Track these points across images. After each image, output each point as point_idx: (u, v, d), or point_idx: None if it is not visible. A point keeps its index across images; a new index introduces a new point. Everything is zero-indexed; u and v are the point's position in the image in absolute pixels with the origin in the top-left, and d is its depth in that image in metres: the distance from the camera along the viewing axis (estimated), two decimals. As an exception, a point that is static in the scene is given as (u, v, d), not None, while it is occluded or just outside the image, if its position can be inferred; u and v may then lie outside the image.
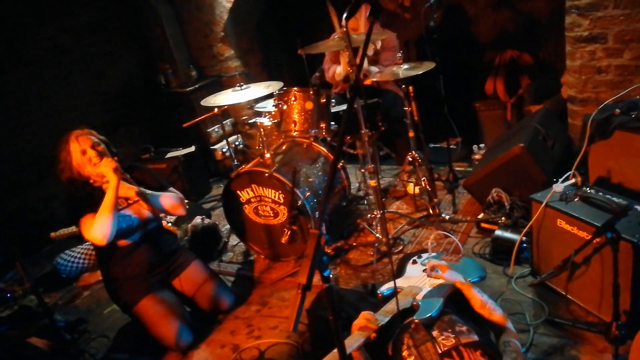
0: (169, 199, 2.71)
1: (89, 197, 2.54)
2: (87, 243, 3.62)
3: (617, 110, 2.48)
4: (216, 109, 3.38)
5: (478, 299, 1.99)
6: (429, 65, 3.01)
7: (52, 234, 3.30)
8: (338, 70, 3.58)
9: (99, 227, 2.43)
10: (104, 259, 2.68)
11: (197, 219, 3.55)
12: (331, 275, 2.67)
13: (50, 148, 4.19)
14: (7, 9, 3.92)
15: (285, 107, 3.12)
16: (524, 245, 2.67)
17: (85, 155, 2.55)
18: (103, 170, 2.49)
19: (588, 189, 2.36)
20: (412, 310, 2.02)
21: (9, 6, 3.93)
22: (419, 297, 2.13)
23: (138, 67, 4.97)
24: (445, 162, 3.74)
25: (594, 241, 2.04)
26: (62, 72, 4.34)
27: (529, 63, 4.25)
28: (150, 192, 2.66)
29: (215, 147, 4.87)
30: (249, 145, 4.98)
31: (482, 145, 3.98)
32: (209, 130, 4.86)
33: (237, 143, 4.86)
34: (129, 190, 2.59)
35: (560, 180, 2.41)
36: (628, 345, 1.87)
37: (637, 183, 2.45)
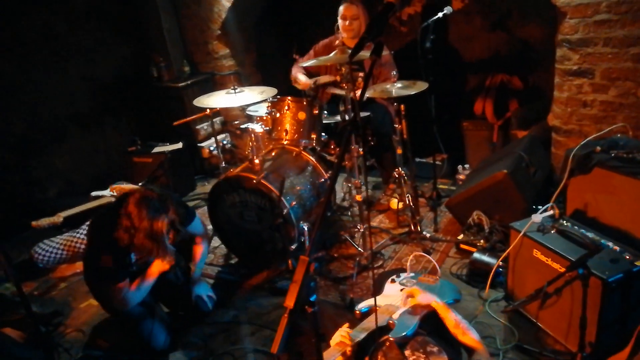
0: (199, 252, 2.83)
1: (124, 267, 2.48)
2: (66, 234, 3.60)
3: (598, 148, 2.57)
4: (208, 110, 3.39)
5: (452, 319, 2.05)
6: (422, 86, 3.06)
7: (34, 223, 3.26)
8: (304, 80, 3.61)
9: (127, 304, 2.46)
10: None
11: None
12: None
13: (35, 131, 4.19)
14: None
15: (278, 115, 3.15)
16: (500, 269, 2.75)
17: (155, 238, 2.34)
18: (155, 263, 2.46)
19: (565, 221, 2.44)
20: (387, 328, 2.07)
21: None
22: (395, 316, 2.18)
23: (131, 57, 4.94)
24: (430, 177, 3.81)
25: (566, 275, 2.12)
26: (52, 57, 4.30)
27: (519, 88, 4.36)
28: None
29: (202, 144, 4.87)
30: (237, 145, 4.99)
31: (466, 165, 4.06)
32: (198, 127, 4.86)
33: (225, 142, 4.86)
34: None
35: (540, 211, 2.49)
36: (591, 377, 1.95)
37: (611, 219, 2.54)
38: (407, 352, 1.87)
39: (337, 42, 3.71)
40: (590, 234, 2.34)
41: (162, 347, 2.60)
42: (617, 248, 2.21)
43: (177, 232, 2.44)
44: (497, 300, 2.69)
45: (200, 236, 2.89)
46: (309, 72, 3.78)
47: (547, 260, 2.31)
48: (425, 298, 2.17)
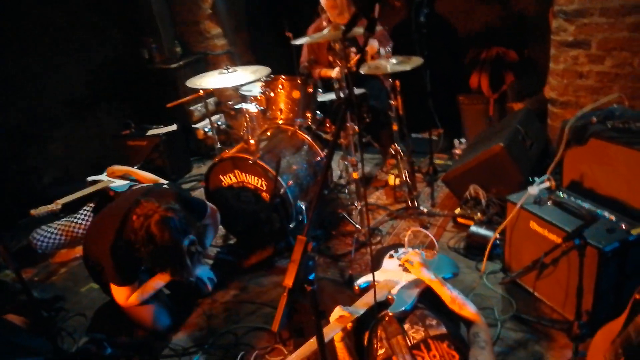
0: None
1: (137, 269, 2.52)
2: (64, 219, 3.59)
3: (594, 119, 2.56)
4: (201, 91, 3.36)
5: (448, 295, 2.06)
6: (417, 61, 3.03)
7: (32, 212, 3.25)
8: (333, 74, 3.58)
9: (131, 304, 2.50)
10: None
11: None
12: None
13: (29, 119, 4.16)
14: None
15: (272, 94, 3.13)
16: (497, 242, 2.77)
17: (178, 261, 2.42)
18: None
19: (561, 193, 2.46)
20: (386, 303, 2.09)
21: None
22: (394, 291, 2.20)
23: (122, 40, 4.87)
24: (426, 152, 3.81)
25: (563, 245, 2.14)
26: (44, 44, 4.24)
27: (514, 60, 4.32)
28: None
29: (197, 125, 4.84)
30: (232, 125, 4.96)
31: (462, 140, 4.06)
32: (192, 108, 4.83)
33: (219, 123, 4.84)
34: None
35: (536, 183, 2.50)
36: (587, 343, 1.98)
37: (607, 189, 2.55)
38: (406, 326, 1.90)
39: (324, 23, 3.66)
40: (586, 205, 2.35)
41: (165, 328, 2.63)
42: (613, 218, 2.23)
43: (196, 252, 2.46)
44: (495, 272, 2.72)
45: (209, 225, 2.90)
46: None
47: (543, 232, 2.33)
48: (422, 273, 2.19)
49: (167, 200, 2.41)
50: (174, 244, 2.30)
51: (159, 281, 2.55)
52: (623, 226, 2.15)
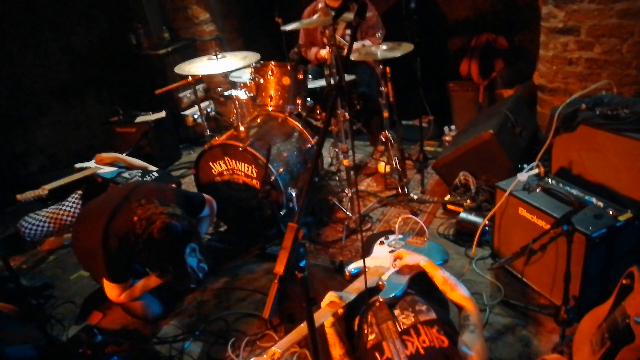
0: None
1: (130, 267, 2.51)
2: (52, 207, 3.55)
3: (583, 106, 2.57)
4: (190, 78, 3.31)
5: (440, 276, 2.07)
6: (407, 47, 3.02)
7: (19, 196, 3.21)
8: (323, 53, 3.56)
9: (122, 302, 2.48)
10: None
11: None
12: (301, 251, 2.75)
13: (15, 106, 4.08)
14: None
15: (262, 80, 3.10)
16: (486, 228, 2.79)
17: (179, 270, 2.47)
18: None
19: (550, 179, 2.47)
20: (377, 289, 2.10)
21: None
22: (385, 277, 2.21)
23: (109, 26, 4.79)
24: (416, 139, 3.81)
25: (551, 231, 2.16)
26: (30, 29, 4.15)
27: (504, 47, 4.31)
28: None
29: (186, 112, 4.79)
30: (221, 112, 4.91)
31: (452, 127, 4.06)
32: (181, 95, 4.77)
33: (209, 110, 4.78)
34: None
35: (525, 170, 2.51)
36: (574, 328, 2.01)
37: (596, 176, 2.57)
38: (396, 312, 1.91)
39: (320, 5, 3.62)
40: (574, 191, 2.37)
41: (156, 316, 2.62)
42: (601, 204, 2.25)
43: (199, 261, 2.45)
44: (484, 258, 2.74)
45: (206, 216, 2.90)
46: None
47: (532, 218, 2.35)
48: (413, 259, 2.20)
49: (169, 203, 2.38)
50: (176, 253, 2.31)
51: (150, 283, 2.52)
52: (611, 212, 2.17)
